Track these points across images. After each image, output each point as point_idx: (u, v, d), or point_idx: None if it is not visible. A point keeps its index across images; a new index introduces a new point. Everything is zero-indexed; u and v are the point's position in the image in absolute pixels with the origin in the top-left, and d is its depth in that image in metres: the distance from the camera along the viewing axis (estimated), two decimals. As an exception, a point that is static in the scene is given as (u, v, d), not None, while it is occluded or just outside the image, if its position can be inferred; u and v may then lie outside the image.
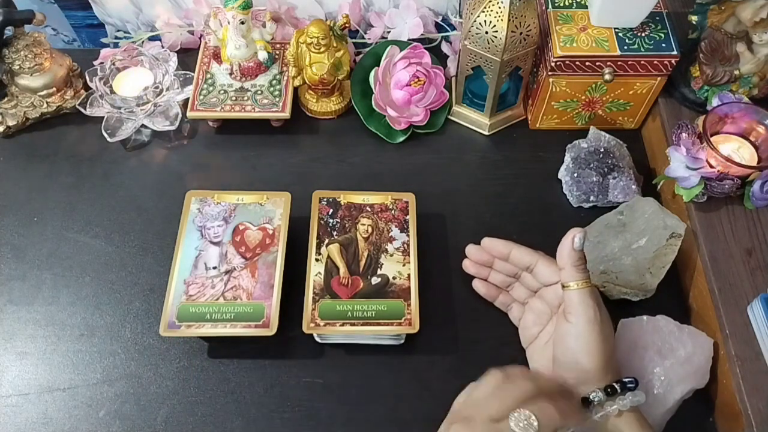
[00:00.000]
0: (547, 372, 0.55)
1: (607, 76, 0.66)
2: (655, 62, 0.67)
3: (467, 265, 0.64)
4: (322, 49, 0.70)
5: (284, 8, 0.78)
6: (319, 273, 0.59)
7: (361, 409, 0.59)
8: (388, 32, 0.80)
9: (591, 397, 0.50)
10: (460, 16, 0.80)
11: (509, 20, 0.62)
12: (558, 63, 0.67)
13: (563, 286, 0.53)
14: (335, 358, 0.61)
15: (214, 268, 0.59)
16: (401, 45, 0.74)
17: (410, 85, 0.71)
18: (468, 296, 0.64)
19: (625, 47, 0.66)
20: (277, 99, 0.73)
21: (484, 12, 0.63)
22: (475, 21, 0.64)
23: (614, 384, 0.50)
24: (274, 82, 0.74)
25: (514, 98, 0.76)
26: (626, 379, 0.51)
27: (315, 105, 0.76)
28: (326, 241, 0.61)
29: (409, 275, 0.60)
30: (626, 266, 0.61)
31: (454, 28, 0.81)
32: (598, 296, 0.55)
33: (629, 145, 0.72)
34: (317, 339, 0.61)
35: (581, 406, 0.50)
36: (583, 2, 0.69)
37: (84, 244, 0.67)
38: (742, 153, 0.63)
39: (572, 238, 0.52)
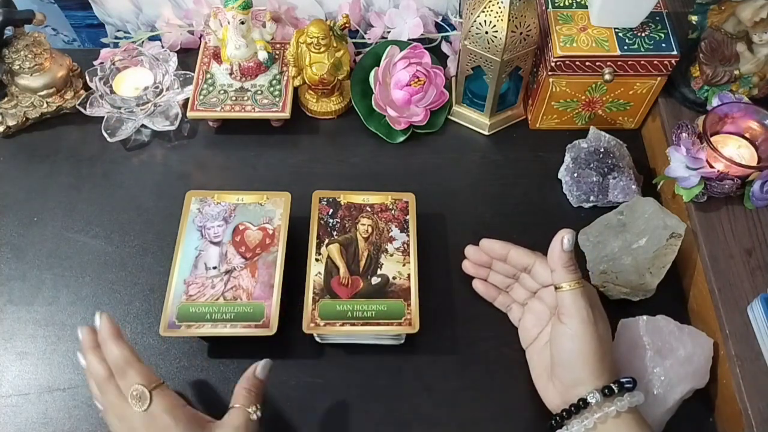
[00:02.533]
0: (546, 373, 0.55)
1: (607, 76, 0.66)
2: (655, 62, 0.67)
3: (467, 266, 0.64)
4: (322, 49, 0.70)
5: (284, 8, 0.78)
6: (319, 273, 0.59)
7: (361, 409, 0.59)
8: (388, 32, 0.80)
9: (588, 398, 0.50)
10: (460, 16, 0.80)
11: (509, 20, 0.62)
12: (558, 63, 0.67)
13: (556, 288, 0.53)
14: (335, 358, 0.61)
15: (214, 268, 0.59)
16: (401, 45, 0.74)
17: (410, 85, 0.71)
18: (468, 296, 0.64)
19: (625, 47, 0.66)
20: (277, 99, 0.73)
21: (484, 12, 0.63)
22: (475, 21, 0.64)
23: (611, 385, 0.50)
24: (274, 82, 0.74)
25: (514, 98, 0.76)
26: (624, 380, 0.50)
27: (315, 105, 0.76)
28: (326, 241, 0.61)
29: (409, 275, 0.60)
30: (626, 266, 0.61)
31: (454, 28, 0.81)
32: (595, 295, 0.55)
33: (629, 145, 0.72)
34: (317, 339, 0.61)
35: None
36: (583, 2, 0.69)
37: (84, 244, 0.67)
38: (742, 153, 0.63)
39: (561, 240, 0.52)
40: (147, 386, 0.48)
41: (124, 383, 0.49)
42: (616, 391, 0.50)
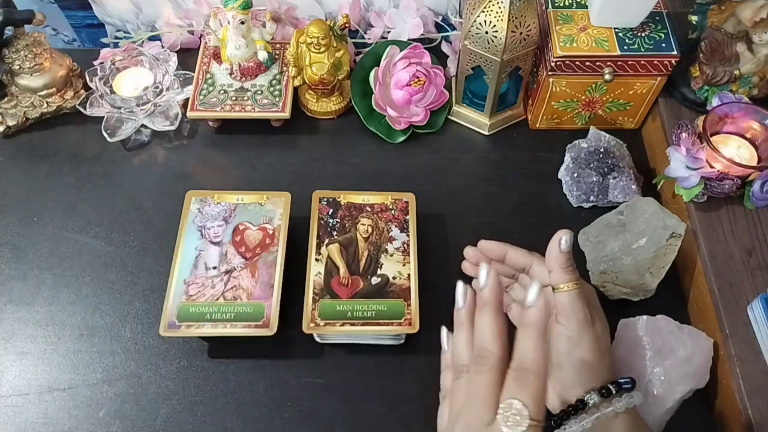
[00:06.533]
0: (545, 373, 0.55)
1: (607, 76, 0.66)
2: (655, 62, 0.67)
3: (466, 267, 0.64)
4: (322, 49, 0.70)
5: (284, 8, 0.78)
6: (319, 273, 0.59)
7: (361, 409, 0.59)
8: (388, 32, 0.80)
9: (586, 399, 0.50)
10: (460, 16, 0.80)
11: (509, 20, 0.62)
12: (558, 63, 0.67)
13: (553, 289, 0.53)
14: (335, 358, 0.61)
15: (214, 268, 0.59)
16: (401, 45, 0.74)
17: (410, 85, 0.71)
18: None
19: (625, 47, 0.66)
20: (277, 99, 0.73)
21: (484, 12, 0.63)
22: (475, 21, 0.64)
23: (609, 386, 0.50)
24: (274, 82, 0.74)
25: (514, 98, 0.76)
26: (622, 380, 0.50)
27: (315, 105, 0.76)
28: (326, 241, 0.61)
29: (409, 275, 0.60)
30: (626, 266, 0.61)
31: (454, 28, 0.81)
32: (593, 295, 0.55)
33: (629, 145, 0.72)
34: (317, 339, 0.61)
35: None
36: (583, 2, 0.69)
37: (84, 244, 0.67)
38: (742, 153, 0.63)
39: (559, 240, 0.52)
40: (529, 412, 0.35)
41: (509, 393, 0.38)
42: (614, 392, 0.50)
